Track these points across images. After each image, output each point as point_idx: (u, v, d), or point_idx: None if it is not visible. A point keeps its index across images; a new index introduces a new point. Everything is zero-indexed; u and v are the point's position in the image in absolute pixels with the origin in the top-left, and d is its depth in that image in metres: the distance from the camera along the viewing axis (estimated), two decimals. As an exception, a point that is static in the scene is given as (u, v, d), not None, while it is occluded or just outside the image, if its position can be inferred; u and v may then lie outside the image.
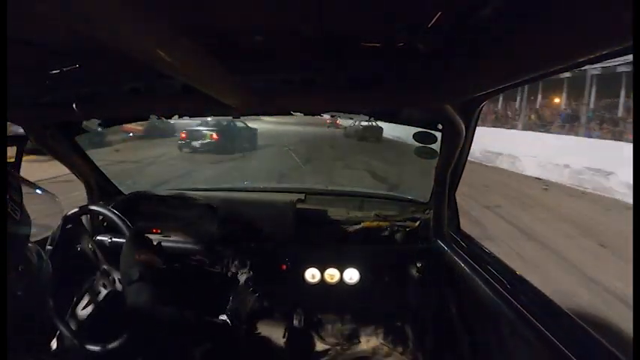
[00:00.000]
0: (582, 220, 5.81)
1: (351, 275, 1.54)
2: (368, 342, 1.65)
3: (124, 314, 1.16)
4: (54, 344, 1.23)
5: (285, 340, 1.62)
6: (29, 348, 0.61)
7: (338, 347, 1.64)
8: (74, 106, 0.99)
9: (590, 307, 2.97)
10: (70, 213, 1.26)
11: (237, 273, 1.36)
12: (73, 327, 1.22)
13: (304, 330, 1.65)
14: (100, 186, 1.60)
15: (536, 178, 9.94)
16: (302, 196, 1.68)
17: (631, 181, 6.94)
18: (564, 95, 15.63)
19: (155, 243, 1.23)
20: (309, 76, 0.84)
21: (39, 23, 0.56)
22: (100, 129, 1.32)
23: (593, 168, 8.86)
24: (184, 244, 1.41)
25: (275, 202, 1.64)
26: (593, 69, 13.06)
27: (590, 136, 11.88)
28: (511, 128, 15.32)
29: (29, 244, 0.67)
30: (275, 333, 1.64)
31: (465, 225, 1.50)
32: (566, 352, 0.72)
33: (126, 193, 1.72)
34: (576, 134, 12.54)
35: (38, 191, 0.70)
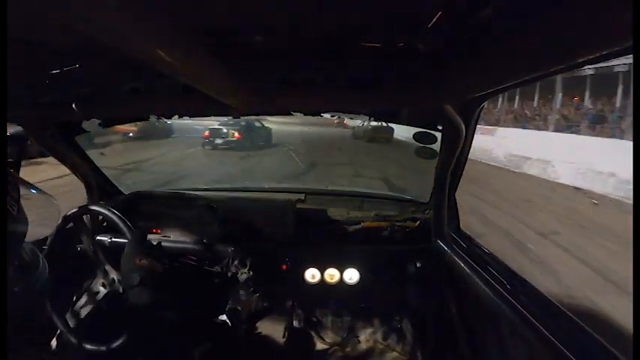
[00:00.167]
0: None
1: (351, 275, 1.54)
2: (368, 342, 1.65)
3: (123, 314, 1.16)
4: (54, 344, 1.23)
5: (285, 340, 1.62)
6: (29, 347, 0.61)
7: (338, 347, 1.64)
8: (74, 106, 0.99)
9: None
10: (70, 213, 1.26)
11: (237, 273, 1.36)
12: (73, 326, 1.22)
13: (304, 330, 1.65)
14: (100, 186, 1.60)
15: (575, 187, 8.52)
16: (302, 196, 1.68)
17: None
18: (587, 93, 14.65)
19: (155, 243, 1.23)
20: (309, 76, 0.84)
21: (39, 23, 0.56)
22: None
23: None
24: (184, 244, 1.41)
25: (275, 202, 1.64)
26: (619, 65, 12.15)
27: (622, 138, 10.49)
28: (535, 129, 14.27)
29: (28, 244, 0.67)
30: (275, 333, 1.64)
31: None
32: (566, 352, 0.72)
33: (126, 193, 1.72)
34: (610, 136, 11.26)
35: (35, 192, 0.70)
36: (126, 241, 1.15)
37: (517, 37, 0.52)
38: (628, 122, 11.90)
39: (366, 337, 1.67)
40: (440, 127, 1.13)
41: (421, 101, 0.93)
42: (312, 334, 1.67)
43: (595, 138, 10.87)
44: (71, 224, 1.29)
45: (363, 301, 1.69)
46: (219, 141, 11.28)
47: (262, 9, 0.55)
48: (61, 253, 1.26)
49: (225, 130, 11.35)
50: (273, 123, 13.25)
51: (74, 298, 1.31)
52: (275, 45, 0.70)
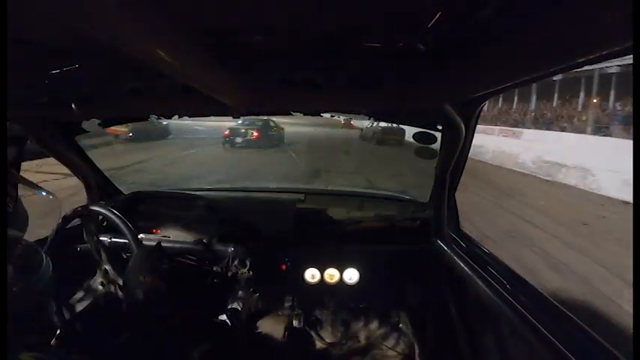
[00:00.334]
0: None
1: (351, 275, 1.54)
2: (367, 342, 1.65)
3: (123, 314, 1.16)
4: (54, 343, 1.23)
5: (284, 340, 1.62)
6: (29, 347, 0.61)
7: (338, 347, 1.64)
8: (74, 106, 0.98)
9: None
10: (70, 213, 1.26)
11: (237, 273, 1.36)
12: (73, 326, 1.22)
13: (304, 330, 1.65)
14: (100, 186, 1.60)
15: (624, 202, 7.14)
16: (302, 197, 1.68)
17: None
18: (613, 93, 13.86)
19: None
20: (309, 76, 0.84)
21: (39, 23, 0.56)
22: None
23: None
24: (184, 244, 1.41)
25: (275, 202, 1.64)
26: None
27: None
28: (559, 131, 13.18)
29: (30, 242, 0.67)
30: (275, 333, 1.64)
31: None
32: (566, 352, 0.72)
33: (125, 192, 1.72)
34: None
35: (38, 192, 0.70)
36: (125, 241, 1.15)
37: (517, 37, 0.52)
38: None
39: (365, 337, 1.67)
40: (440, 127, 1.13)
41: (421, 101, 0.93)
42: (312, 334, 1.67)
43: (631, 141, 9.57)
44: (71, 224, 1.29)
45: (362, 301, 1.69)
46: (238, 140, 12.02)
47: (262, 9, 0.55)
48: (61, 253, 1.26)
49: (243, 130, 12.09)
50: (281, 124, 13.43)
51: (74, 297, 1.32)
52: (275, 45, 0.70)
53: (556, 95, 16.44)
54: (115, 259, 1.31)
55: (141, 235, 1.36)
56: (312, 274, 1.55)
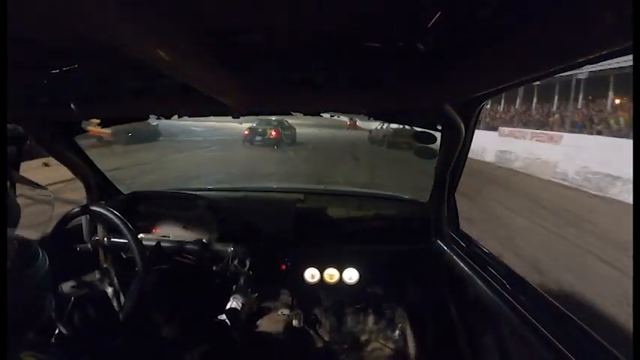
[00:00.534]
0: None
1: (351, 275, 1.54)
2: (367, 342, 1.65)
3: (123, 314, 1.16)
4: (53, 343, 1.23)
5: (284, 339, 1.62)
6: (29, 347, 0.61)
7: (337, 347, 1.64)
8: (74, 106, 0.98)
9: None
10: (69, 213, 1.26)
11: (237, 273, 1.36)
12: (72, 326, 1.22)
13: (304, 330, 1.65)
14: (99, 186, 1.60)
15: None
16: (301, 196, 1.68)
17: None
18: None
19: (155, 243, 1.23)
20: (309, 76, 0.84)
21: (39, 23, 0.56)
22: None
23: None
24: (184, 244, 1.41)
25: (274, 202, 1.64)
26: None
27: None
28: (597, 134, 11.44)
29: (23, 237, 0.67)
30: (274, 333, 1.64)
31: None
32: (566, 352, 0.72)
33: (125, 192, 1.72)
34: None
35: (36, 190, 0.70)
36: (125, 241, 1.15)
37: (517, 37, 0.52)
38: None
39: (365, 337, 1.67)
40: (439, 127, 1.13)
41: (421, 101, 0.93)
42: (312, 334, 1.67)
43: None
44: (70, 224, 1.29)
45: (362, 301, 1.69)
46: (258, 138, 12.84)
47: (262, 9, 0.55)
48: (61, 253, 1.26)
49: (261, 129, 12.82)
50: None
51: (73, 297, 1.31)
52: (275, 45, 0.70)
53: (581, 95, 14.75)
54: (115, 259, 1.31)
55: (140, 235, 1.36)
56: (311, 274, 1.55)
